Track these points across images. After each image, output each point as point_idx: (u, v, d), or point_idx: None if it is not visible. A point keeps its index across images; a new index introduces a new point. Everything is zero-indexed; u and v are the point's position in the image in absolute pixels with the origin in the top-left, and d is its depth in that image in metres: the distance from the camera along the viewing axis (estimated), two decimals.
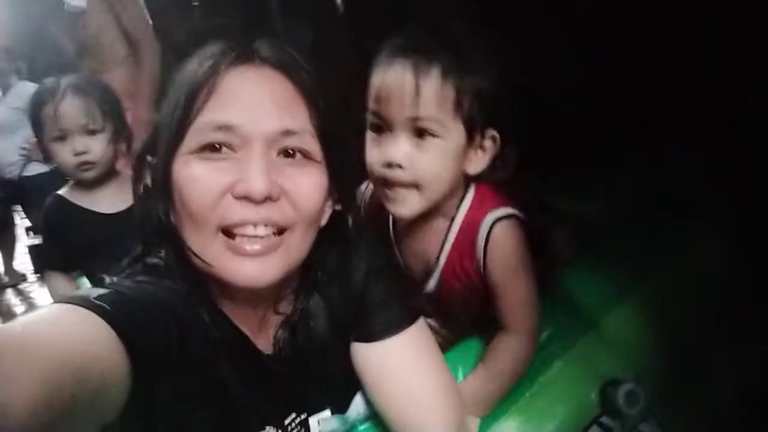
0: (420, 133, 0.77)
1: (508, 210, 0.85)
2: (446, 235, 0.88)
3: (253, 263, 0.57)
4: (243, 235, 0.56)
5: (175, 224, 0.60)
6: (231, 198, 0.56)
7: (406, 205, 0.80)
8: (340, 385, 0.73)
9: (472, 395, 0.80)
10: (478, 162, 0.83)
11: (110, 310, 0.50)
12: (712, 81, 1.19)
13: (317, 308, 0.69)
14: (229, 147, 0.57)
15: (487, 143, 0.82)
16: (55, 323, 0.46)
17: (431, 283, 0.92)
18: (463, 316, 0.95)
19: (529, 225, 0.86)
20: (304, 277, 0.67)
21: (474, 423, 0.80)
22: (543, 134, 1.43)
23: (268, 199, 0.56)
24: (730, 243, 1.09)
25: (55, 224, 1.33)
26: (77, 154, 1.25)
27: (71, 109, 1.23)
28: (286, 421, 0.66)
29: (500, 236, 0.83)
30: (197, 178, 0.56)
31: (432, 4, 1.67)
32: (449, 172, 0.80)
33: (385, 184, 0.80)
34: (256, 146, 0.56)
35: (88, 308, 0.49)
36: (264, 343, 0.67)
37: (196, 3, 2.43)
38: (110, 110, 1.29)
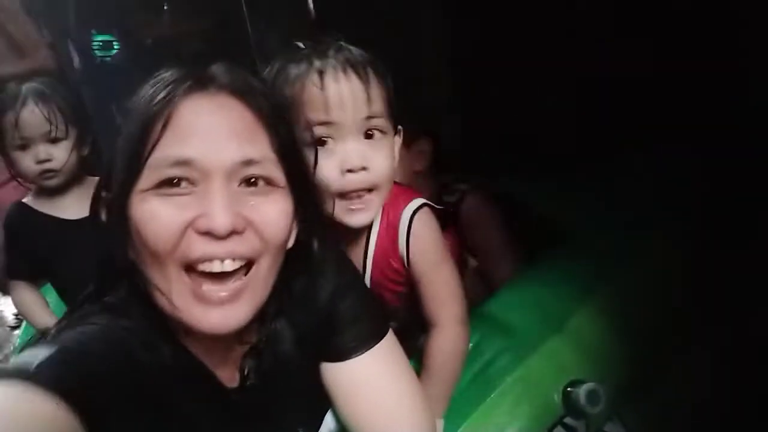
0: (369, 134, 0.77)
1: (420, 201, 0.87)
2: (367, 239, 0.88)
3: (219, 311, 0.54)
4: (209, 273, 0.53)
5: (134, 262, 0.56)
6: (193, 233, 0.53)
7: (365, 212, 0.79)
8: (310, 406, 0.72)
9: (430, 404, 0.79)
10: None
11: (50, 381, 0.47)
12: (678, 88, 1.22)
13: (283, 332, 0.67)
14: (189, 181, 0.53)
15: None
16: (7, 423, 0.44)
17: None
18: (407, 317, 0.94)
19: (438, 211, 0.89)
20: (270, 303, 0.62)
21: (439, 424, 0.80)
22: (518, 136, 1.46)
23: (233, 232, 0.53)
24: (691, 248, 1.12)
25: (17, 232, 1.30)
26: (39, 162, 1.22)
27: (33, 117, 1.21)
28: None
29: (419, 228, 0.85)
30: (156, 215, 0.52)
31: (401, 6, 1.70)
32: (393, 171, 0.81)
33: (342, 196, 0.78)
34: (217, 179, 0.53)
35: (29, 382, 0.47)
36: (228, 377, 0.64)
37: (166, 7, 2.40)
38: (73, 116, 1.26)
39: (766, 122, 1.04)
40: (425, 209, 0.86)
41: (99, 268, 0.60)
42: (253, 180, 0.56)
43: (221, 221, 0.51)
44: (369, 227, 0.86)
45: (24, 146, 1.22)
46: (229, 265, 0.54)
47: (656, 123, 1.26)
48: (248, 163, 0.55)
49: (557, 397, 0.84)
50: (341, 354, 0.68)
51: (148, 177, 0.53)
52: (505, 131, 1.51)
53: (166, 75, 0.56)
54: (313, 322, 0.68)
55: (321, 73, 0.73)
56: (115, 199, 0.55)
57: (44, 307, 1.36)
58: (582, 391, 0.80)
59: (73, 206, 1.31)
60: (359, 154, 0.76)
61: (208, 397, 0.61)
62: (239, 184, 0.55)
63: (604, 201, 1.22)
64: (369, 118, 0.76)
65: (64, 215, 1.31)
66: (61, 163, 1.24)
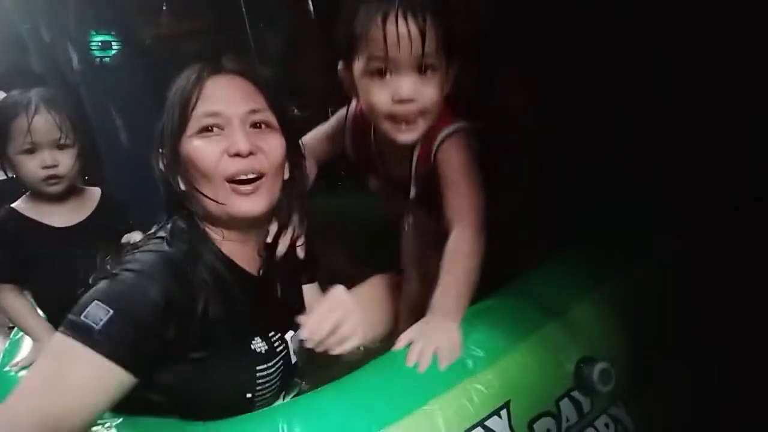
0: (423, 69, 0.91)
1: (454, 126, 1.02)
2: (412, 152, 1.05)
3: (249, 200, 0.84)
4: (240, 179, 0.83)
5: (186, 191, 0.86)
6: (227, 157, 0.82)
7: (414, 131, 0.96)
8: (292, 308, 0.97)
9: (449, 304, 0.88)
10: (447, 85, 0.98)
11: (106, 346, 0.69)
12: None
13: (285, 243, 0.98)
14: (218, 127, 0.83)
15: (451, 70, 0.97)
16: (77, 384, 0.68)
17: (413, 190, 1.11)
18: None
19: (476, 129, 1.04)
20: (276, 215, 0.95)
21: (458, 331, 0.84)
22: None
23: (250, 153, 0.82)
24: (694, 243, 1.12)
25: (5, 238, 1.30)
26: (46, 167, 1.24)
27: (45, 123, 1.22)
28: (270, 334, 0.89)
29: (447, 145, 1.00)
30: (202, 148, 0.83)
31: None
32: (440, 98, 0.96)
33: (392, 119, 0.94)
34: (236, 122, 0.83)
35: (91, 347, 0.69)
36: (253, 269, 0.92)
37: (165, 7, 2.40)
38: (80, 126, 1.29)
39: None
40: (460, 132, 1.02)
41: (165, 200, 0.91)
42: (258, 124, 0.87)
43: (244, 146, 0.82)
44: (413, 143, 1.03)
45: (31, 150, 1.23)
46: (251, 175, 0.84)
47: (657, 119, 1.26)
48: (254, 111, 0.86)
49: (570, 368, 0.84)
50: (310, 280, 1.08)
51: (191, 127, 0.84)
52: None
53: (195, 67, 0.87)
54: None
55: (385, 15, 0.87)
56: (170, 147, 0.85)
57: (31, 310, 1.35)
58: (596, 369, 0.81)
59: (64, 215, 1.33)
60: (410, 87, 0.90)
61: (242, 284, 0.88)
62: (249, 127, 0.85)
63: (606, 199, 1.22)
64: (423, 56, 0.89)
65: (51, 222, 1.32)
66: (67, 169, 1.26)
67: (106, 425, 0.75)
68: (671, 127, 1.25)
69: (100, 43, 2.41)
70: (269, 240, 0.96)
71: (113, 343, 0.69)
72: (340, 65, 1.00)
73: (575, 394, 0.83)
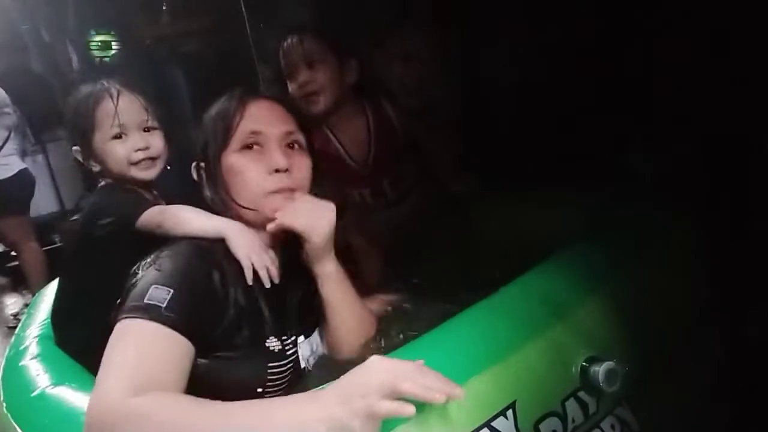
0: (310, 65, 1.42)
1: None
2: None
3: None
4: (278, 193, 0.91)
5: (223, 200, 0.94)
6: (266, 174, 0.91)
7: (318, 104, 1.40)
8: (308, 315, 1.00)
9: None
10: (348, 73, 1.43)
11: (176, 319, 0.75)
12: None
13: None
14: (258, 144, 0.92)
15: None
16: (157, 360, 0.72)
17: (370, 158, 1.46)
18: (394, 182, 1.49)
19: None
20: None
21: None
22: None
23: (287, 170, 0.91)
24: (699, 242, 1.12)
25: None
26: (139, 149, 1.18)
27: (132, 105, 1.18)
28: (284, 337, 0.92)
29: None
30: (244, 164, 0.91)
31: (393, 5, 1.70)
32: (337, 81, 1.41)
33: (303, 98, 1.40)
34: (274, 141, 0.92)
35: (162, 323, 0.74)
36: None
37: (165, 7, 2.40)
38: (162, 108, 1.25)
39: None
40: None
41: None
42: (291, 144, 0.95)
43: (283, 162, 0.90)
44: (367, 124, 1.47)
45: (120, 135, 1.18)
46: (288, 190, 0.92)
47: (657, 119, 1.26)
48: (289, 133, 0.95)
49: (575, 370, 0.82)
50: None
51: (234, 144, 0.92)
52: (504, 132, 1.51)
53: (234, 92, 0.97)
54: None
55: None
56: (211, 162, 0.93)
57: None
58: (602, 369, 0.80)
59: None
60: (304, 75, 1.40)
61: (261, 284, 0.91)
62: (285, 146, 0.94)
63: (605, 201, 1.21)
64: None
65: None
66: (159, 151, 1.21)
67: None
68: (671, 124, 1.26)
69: (100, 43, 2.42)
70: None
71: (180, 317, 0.75)
72: None
73: (581, 394, 0.82)
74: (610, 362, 0.81)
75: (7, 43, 2.91)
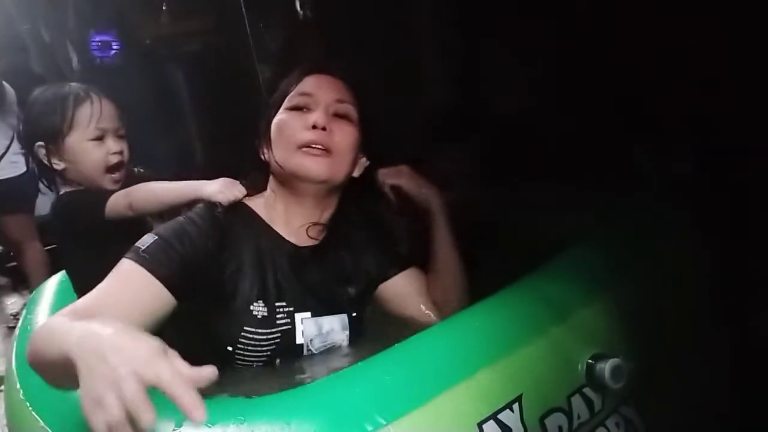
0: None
1: None
2: None
3: (315, 161, 0.91)
4: (310, 147, 0.91)
5: (266, 159, 0.97)
6: (305, 129, 0.91)
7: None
8: (328, 297, 0.98)
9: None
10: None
11: (150, 260, 0.80)
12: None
13: (342, 232, 1.02)
14: (307, 108, 0.94)
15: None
16: (129, 299, 0.78)
17: None
18: None
19: None
20: (338, 214, 1.01)
21: None
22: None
23: (324, 128, 0.91)
24: (702, 244, 1.12)
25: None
26: (115, 153, 1.21)
27: (110, 110, 1.21)
28: (277, 304, 0.92)
29: None
30: (288, 120, 0.94)
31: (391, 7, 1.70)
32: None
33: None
34: (322, 105, 0.93)
35: (136, 262, 0.80)
36: (299, 241, 0.98)
37: (165, 7, 2.41)
38: (126, 118, 1.28)
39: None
40: None
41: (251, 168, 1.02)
42: (340, 114, 0.95)
43: (321, 120, 0.91)
44: None
45: (99, 138, 1.20)
46: (320, 146, 0.91)
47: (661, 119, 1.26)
48: (339, 101, 0.95)
49: (581, 367, 0.82)
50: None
51: (287, 103, 0.96)
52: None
53: (301, 66, 1.00)
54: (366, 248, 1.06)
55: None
56: (266, 121, 0.98)
57: None
58: (608, 366, 0.80)
59: None
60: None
61: (277, 250, 0.95)
62: (333, 114, 0.94)
63: (608, 202, 1.22)
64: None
65: None
66: (127, 158, 1.24)
67: None
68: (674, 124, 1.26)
69: (100, 43, 2.42)
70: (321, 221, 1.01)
71: (155, 260, 0.81)
72: None
73: (587, 391, 0.82)
74: (616, 359, 0.81)
75: (7, 43, 2.92)
